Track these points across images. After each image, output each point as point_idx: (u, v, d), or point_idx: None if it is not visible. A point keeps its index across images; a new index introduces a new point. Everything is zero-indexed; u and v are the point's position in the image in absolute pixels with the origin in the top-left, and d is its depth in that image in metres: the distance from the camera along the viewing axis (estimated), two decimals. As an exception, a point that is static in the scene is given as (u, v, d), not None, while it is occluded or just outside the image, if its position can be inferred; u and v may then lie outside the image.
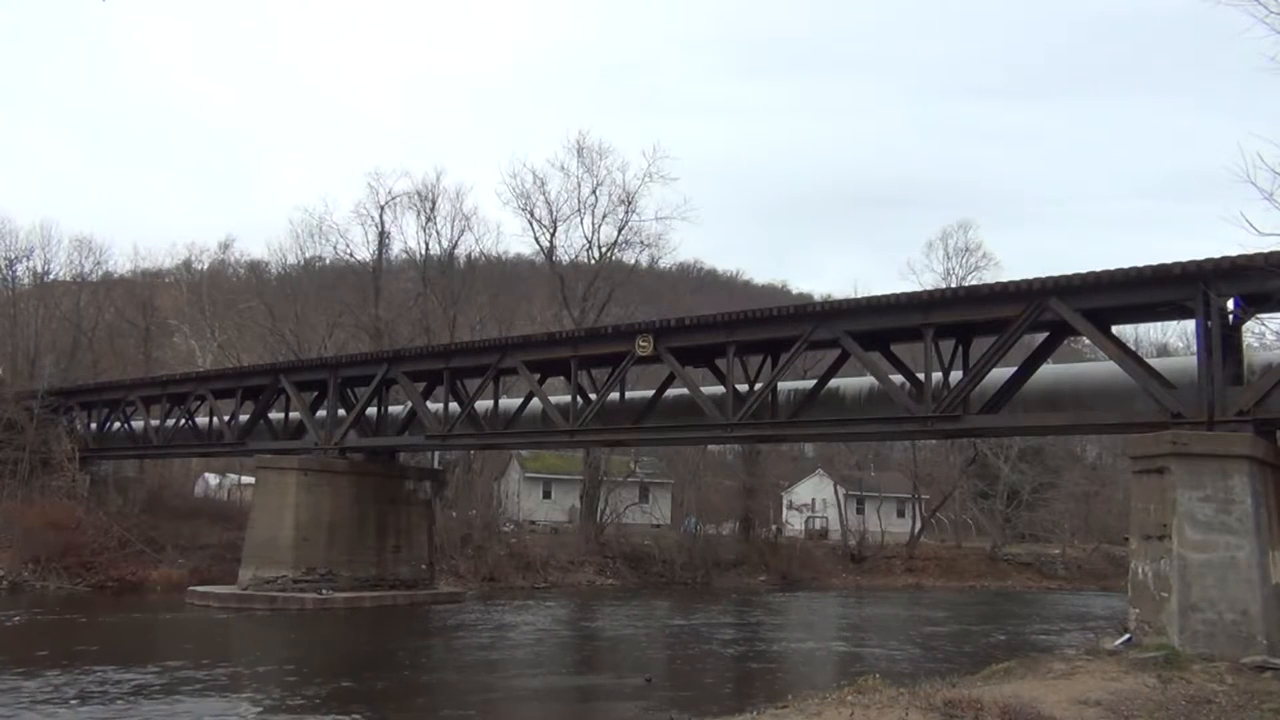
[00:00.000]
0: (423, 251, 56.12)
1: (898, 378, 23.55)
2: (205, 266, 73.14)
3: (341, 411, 34.20)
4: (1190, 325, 20.05)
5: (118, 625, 27.07)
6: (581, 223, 52.68)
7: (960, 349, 22.73)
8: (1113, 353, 19.91)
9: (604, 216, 51.37)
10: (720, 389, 25.63)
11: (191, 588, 32.28)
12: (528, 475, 58.99)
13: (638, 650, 26.18)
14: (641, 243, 52.25)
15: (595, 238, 51.72)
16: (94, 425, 43.23)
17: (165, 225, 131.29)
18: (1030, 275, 20.37)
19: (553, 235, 53.00)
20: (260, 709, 15.92)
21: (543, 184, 52.35)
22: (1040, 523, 64.09)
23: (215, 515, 43.15)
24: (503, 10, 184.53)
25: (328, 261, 61.46)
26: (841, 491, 63.18)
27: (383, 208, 54.63)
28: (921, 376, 22.22)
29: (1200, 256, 17.45)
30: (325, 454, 33.34)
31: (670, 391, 28.07)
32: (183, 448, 41.88)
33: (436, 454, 43.76)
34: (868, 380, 24.28)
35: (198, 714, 15.43)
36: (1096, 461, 70.27)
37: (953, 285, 51.93)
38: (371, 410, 34.29)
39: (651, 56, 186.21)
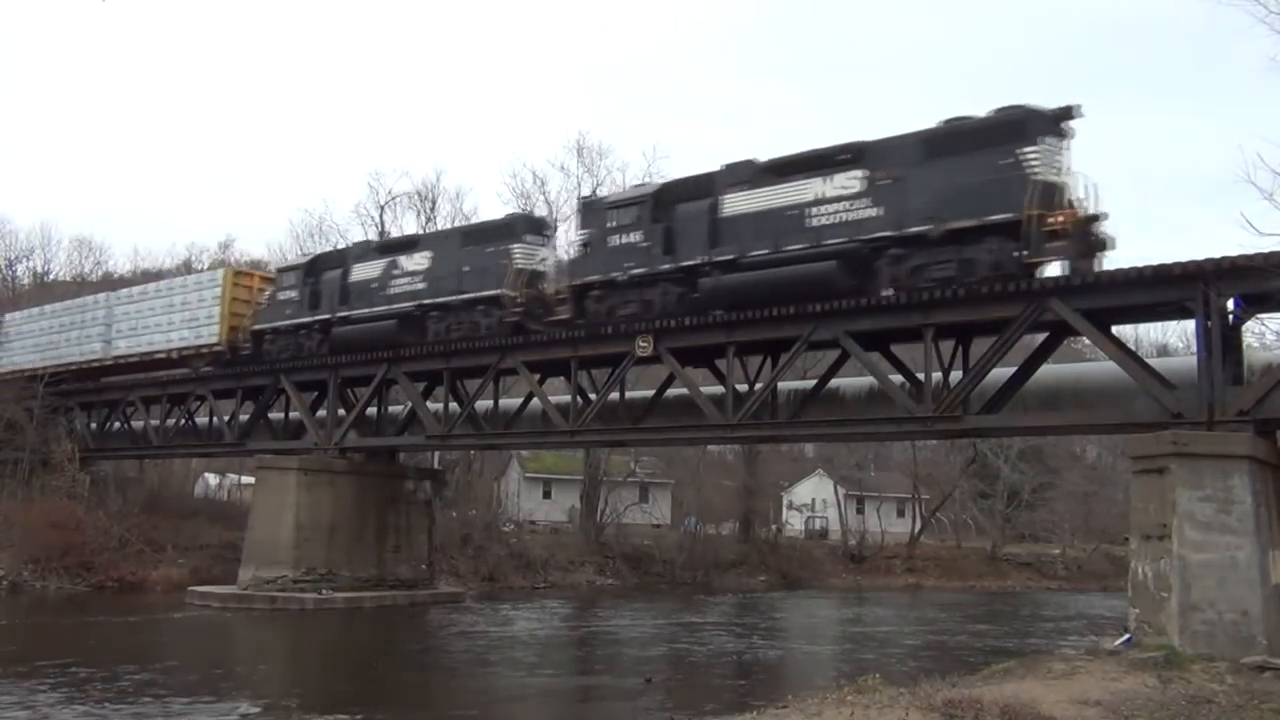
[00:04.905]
0: (422, 251, 55.95)
1: (898, 378, 23.53)
2: (205, 267, 73.20)
3: (341, 411, 34.19)
4: (1190, 325, 20.08)
5: (118, 626, 27.04)
6: (582, 223, 52.56)
7: (960, 349, 22.71)
8: (1113, 353, 19.92)
9: (604, 216, 51.28)
10: (720, 389, 25.60)
11: (191, 588, 32.25)
12: (528, 475, 58.89)
13: (638, 650, 26.17)
14: (641, 243, 52.13)
15: (595, 237, 51.61)
16: (94, 425, 43.21)
17: (165, 225, 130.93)
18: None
19: (553, 235, 52.92)
20: (260, 709, 15.92)
21: (543, 184, 52.30)
22: (1040, 523, 64.02)
23: (215, 515, 43.12)
24: (503, 9, 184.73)
25: (328, 261, 61.31)
26: (841, 491, 63.06)
27: (383, 207, 54.70)
28: (921, 376, 22.20)
29: (1200, 256, 17.48)
30: (325, 454, 33.32)
31: (670, 391, 28.05)
32: (183, 448, 41.82)
33: (436, 454, 43.71)
34: (868, 380, 24.26)
35: (198, 714, 15.43)
36: (1096, 461, 70.09)
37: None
38: (371, 410, 34.27)
39: (652, 57, 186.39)
